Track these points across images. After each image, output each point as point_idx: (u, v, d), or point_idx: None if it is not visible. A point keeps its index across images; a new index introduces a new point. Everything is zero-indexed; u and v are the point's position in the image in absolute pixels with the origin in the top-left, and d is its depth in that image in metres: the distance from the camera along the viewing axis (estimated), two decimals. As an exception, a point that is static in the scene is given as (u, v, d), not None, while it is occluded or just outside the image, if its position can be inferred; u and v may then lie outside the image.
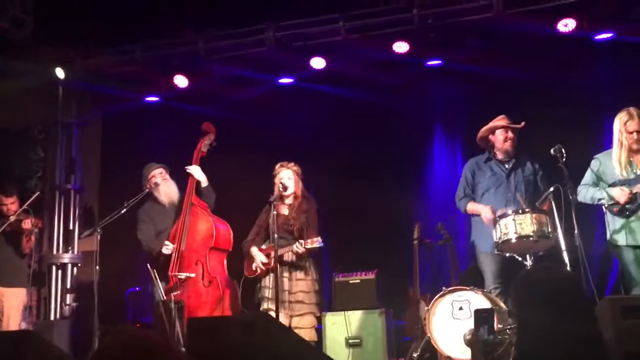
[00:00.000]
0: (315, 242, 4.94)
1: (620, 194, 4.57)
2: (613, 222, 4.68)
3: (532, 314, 2.25)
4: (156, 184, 5.55)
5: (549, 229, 4.59)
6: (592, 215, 5.42)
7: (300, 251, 5.00)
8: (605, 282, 5.87)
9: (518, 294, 2.42)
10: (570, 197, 4.46)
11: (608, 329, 3.33)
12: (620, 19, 6.05)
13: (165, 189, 5.59)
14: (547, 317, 2.19)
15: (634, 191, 4.55)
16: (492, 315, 2.78)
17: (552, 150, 4.63)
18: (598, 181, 4.80)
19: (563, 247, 4.45)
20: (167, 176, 5.64)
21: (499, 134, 5.21)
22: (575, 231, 4.42)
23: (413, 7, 6.20)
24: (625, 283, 4.70)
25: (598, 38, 6.23)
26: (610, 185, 4.71)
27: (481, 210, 5.04)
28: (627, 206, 4.60)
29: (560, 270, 2.44)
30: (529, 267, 4.52)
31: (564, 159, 4.56)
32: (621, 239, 4.63)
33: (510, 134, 5.18)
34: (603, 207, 4.74)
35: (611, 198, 4.63)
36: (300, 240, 5.00)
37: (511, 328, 3.76)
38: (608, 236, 4.71)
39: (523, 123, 5.17)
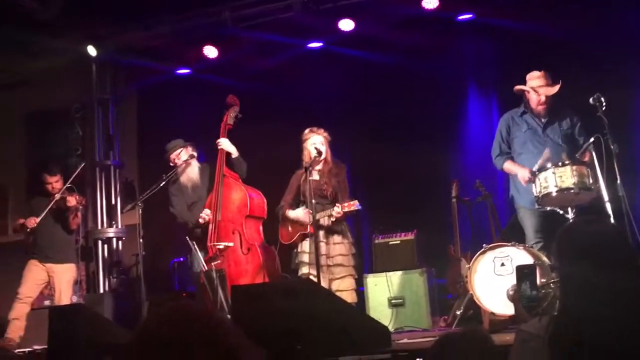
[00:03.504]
0: (353, 206, 4.96)
1: None
2: None
3: (576, 268, 2.22)
4: (179, 164, 5.63)
5: (590, 181, 4.51)
6: (636, 164, 5.29)
7: (339, 214, 5.02)
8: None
9: (561, 248, 2.38)
10: (612, 147, 4.35)
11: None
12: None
13: (187, 170, 5.65)
14: (590, 271, 2.16)
15: None
16: (534, 270, 2.76)
17: (590, 100, 4.51)
18: None
19: (606, 198, 4.37)
20: (188, 156, 5.67)
21: (533, 95, 5.08)
22: (618, 181, 4.33)
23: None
24: None
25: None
26: None
27: (518, 171, 4.95)
28: None
29: (604, 223, 2.38)
30: (571, 221, 4.45)
31: (603, 108, 4.44)
32: None
33: (543, 98, 5.04)
34: None
35: None
36: (338, 204, 5.02)
37: (555, 282, 3.73)
38: None
39: (557, 87, 4.99)
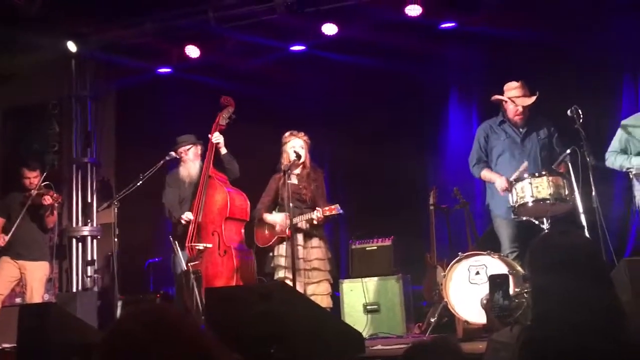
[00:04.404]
0: (334, 210, 4.96)
1: None
2: None
3: (548, 279, 2.24)
4: (184, 159, 5.59)
5: (566, 192, 4.55)
6: (611, 177, 5.36)
7: (319, 218, 5.02)
8: (624, 244, 5.83)
9: (534, 259, 2.40)
10: (588, 159, 4.40)
11: (626, 290, 3.32)
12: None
13: (190, 166, 5.62)
14: (562, 282, 2.18)
15: None
16: (507, 280, 2.77)
17: (568, 112, 4.55)
18: (625, 148, 4.73)
19: (580, 209, 4.41)
20: (197, 154, 5.65)
21: (511, 105, 5.11)
22: (593, 193, 4.38)
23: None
24: None
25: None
26: (638, 154, 4.64)
27: (496, 180, 4.99)
28: None
29: (577, 234, 2.41)
30: (545, 231, 4.49)
31: (580, 120, 4.49)
32: None
33: (520, 108, 5.07)
34: (630, 174, 4.68)
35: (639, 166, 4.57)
36: (319, 208, 5.01)
37: (528, 292, 3.75)
38: (637, 203, 4.64)
39: (534, 98, 5.03)
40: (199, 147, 5.69)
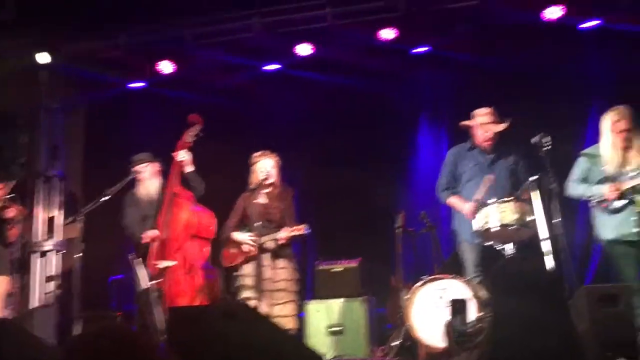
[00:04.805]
0: (301, 230, 4.94)
1: (610, 191, 4.57)
2: (601, 218, 4.68)
3: (508, 304, 2.26)
4: (140, 177, 5.54)
5: (531, 218, 4.59)
6: (574, 204, 5.42)
7: (285, 238, 5.00)
8: (585, 271, 5.90)
9: (495, 284, 2.43)
10: (551, 187, 4.45)
11: (585, 318, 3.35)
12: (607, 7, 6.03)
13: (147, 184, 5.57)
14: (522, 308, 2.20)
15: (623, 188, 4.55)
16: (465, 305, 2.78)
17: (535, 139, 4.62)
18: (586, 177, 4.80)
19: (544, 236, 4.45)
20: (155, 172, 5.60)
21: (480, 131, 5.17)
22: (557, 220, 4.42)
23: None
24: (613, 277, 4.69)
25: (583, 27, 6.22)
26: (598, 182, 4.71)
27: (462, 208, 5.02)
28: (614, 202, 4.60)
29: (537, 261, 2.45)
30: (507, 257, 4.52)
31: (546, 148, 4.55)
32: (609, 234, 4.62)
33: (490, 134, 5.14)
34: (590, 203, 4.74)
35: (601, 195, 4.63)
36: (286, 228, 4.99)
37: (489, 317, 3.76)
38: (596, 231, 4.71)
39: (504, 125, 5.10)
40: (156, 165, 5.64)
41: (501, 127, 5.11)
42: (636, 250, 4.56)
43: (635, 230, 4.53)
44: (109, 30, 6.88)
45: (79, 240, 5.39)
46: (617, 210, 4.60)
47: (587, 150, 4.90)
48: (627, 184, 4.54)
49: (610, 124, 4.67)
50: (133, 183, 5.62)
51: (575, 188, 4.80)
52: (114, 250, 6.47)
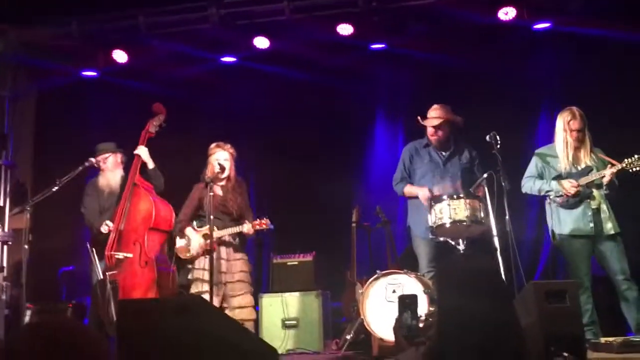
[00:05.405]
0: (265, 224, 4.95)
1: (569, 187, 4.70)
2: (557, 213, 4.81)
3: (452, 299, 2.31)
4: (102, 168, 5.44)
5: (482, 215, 4.69)
6: (524, 201, 5.56)
7: (250, 232, 4.99)
8: (535, 267, 6.05)
9: (441, 281, 2.48)
10: (503, 184, 4.56)
11: (532, 313, 3.44)
12: (556, 10, 6.18)
13: (109, 175, 5.48)
14: (465, 303, 2.25)
15: (581, 184, 4.69)
16: (416, 301, 2.83)
17: (487, 137, 4.72)
18: (542, 174, 4.93)
19: (494, 232, 4.56)
20: (117, 162, 5.50)
21: (428, 127, 5.26)
22: (507, 217, 4.53)
23: (358, -10, 6.18)
24: (568, 271, 4.83)
25: (536, 27, 6.37)
26: (554, 179, 4.83)
27: (418, 191, 5.11)
28: (571, 198, 4.74)
29: (481, 258, 2.50)
30: (455, 253, 4.62)
31: (498, 146, 4.65)
32: (566, 229, 4.76)
33: (431, 129, 5.22)
34: (548, 198, 4.86)
35: (559, 190, 4.76)
36: (248, 222, 4.99)
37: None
38: (551, 226, 4.83)
39: (439, 120, 5.17)
40: (119, 156, 5.56)
41: (436, 122, 5.18)
42: (591, 246, 4.72)
43: (591, 225, 4.68)
44: (61, 17, 6.70)
45: (27, 231, 5.26)
46: (574, 206, 4.73)
47: (541, 150, 5.04)
48: (585, 180, 4.69)
49: (563, 123, 4.81)
50: (95, 171, 5.52)
51: (531, 184, 4.93)
52: (65, 241, 6.34)
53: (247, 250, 5.28)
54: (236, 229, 5.03)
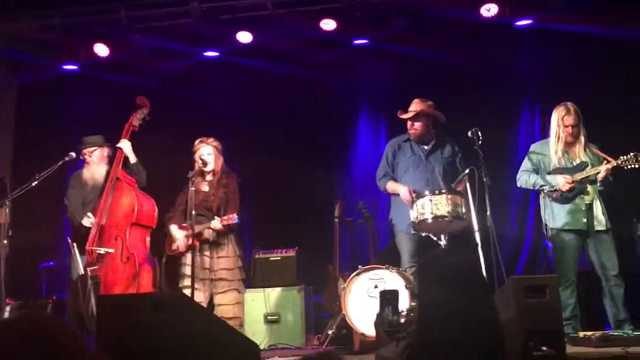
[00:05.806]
0: (230, 219, 4.91)
1: (564, 182, 4.73)
2: (550, 207, 4.83)
3: (433, 294, 2.32)
4: (88, 160, 5.40)
5: (463, 210, 4.70)
6: (505, 197, 5.59)
7: (217, 227, 4.96)
8: (516, 262, 6.09)
9: (421, 276, 2.49)
10: (484, 180, 4.56)
11: (512, 307, 3.46)
12: (537, 7, 6.21)
13: (94, 169, 5.43)
14: (445, 299, 2.26)
15: (576, 179, 4.72)
16: (397, 296, 2.83)
17: (469, 133, 4.72)
18: (537, 169, 4.95)
19: (476, 228, 4.57)
20: (103, 156, 5.46)
21: (407, 120, 5.27)
22: (488, 213, 4.54)
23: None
24: (557, 265, 4.85)
25: (518, 24, 6.40)
26: (548, 173, 4.86)
27: (400, 190, 5.11)
28: (564, 193, 4.76)
29: (461, 254, 2.51)
30: (436, 248, 4.63)
31: (479, 142, 4.66)
32: (559, 223, 4.78)
33: (410, 124, 5.23)
34: (542, 192, 4.88)
35: (553, 185, 4.78)
36: (217, 217, 4.96)
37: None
38: (544, 220, 4.86)
39: (410, 114, 5.18)
40: (105, 150, 5.50)
41: (407, 115, 5.19)
42: (582, 241, 4.75)
43: (584, 220, 4.71)
44: (43, 11, 6.62)
45: (4, 226, 5.20)
46: (568, 200, 4.76)
47: (537, 143, 5.09)
48: (580, 176, 4.72)
49: (558, 118, 4.83)
50: (80, 163, 5.47)
51: (526, 178, 4.95)
52: (45, 236, 6.29)
53: (238, 247, 5.23)
54: (206, 225, 5.00)
